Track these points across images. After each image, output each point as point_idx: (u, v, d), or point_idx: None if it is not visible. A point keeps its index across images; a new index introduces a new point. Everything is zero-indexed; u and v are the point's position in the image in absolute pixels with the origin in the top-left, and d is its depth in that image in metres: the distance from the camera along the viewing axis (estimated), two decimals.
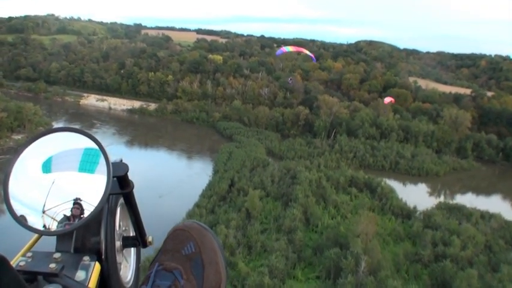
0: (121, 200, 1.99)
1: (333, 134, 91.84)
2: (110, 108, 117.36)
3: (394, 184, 72.10)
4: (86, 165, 1.59)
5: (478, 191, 77.98)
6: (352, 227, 47.95)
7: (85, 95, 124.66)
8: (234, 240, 45.03)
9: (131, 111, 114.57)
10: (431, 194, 75.76)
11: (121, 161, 1.79)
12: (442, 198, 70.52)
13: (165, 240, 1.85)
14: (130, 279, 2.11)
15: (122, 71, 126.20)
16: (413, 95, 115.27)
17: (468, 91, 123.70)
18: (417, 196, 68.87)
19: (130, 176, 1.80)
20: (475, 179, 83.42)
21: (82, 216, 1.54)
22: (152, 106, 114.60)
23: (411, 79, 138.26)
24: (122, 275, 1.95)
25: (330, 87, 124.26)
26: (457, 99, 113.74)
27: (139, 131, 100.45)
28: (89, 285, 1.51)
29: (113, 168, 1.61)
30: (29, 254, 1.52)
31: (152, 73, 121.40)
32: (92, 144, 1.61)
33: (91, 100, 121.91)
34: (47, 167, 1.57)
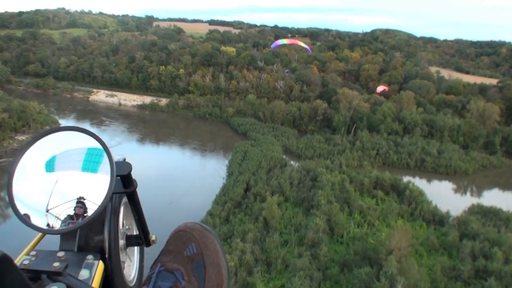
0: (124, 199, 1.99)
1: (353, 129, 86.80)
2: (120, 104, 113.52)
3: (420, 184, 67.14)
4: (89, 164, 1.61)
5: (511, 189, 72.63)
6: (382, 239, 43.30)
7: (94, 90, 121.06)
8: (251, 256, 40.46)
9: (142, 106, 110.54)
10: (461, 194, 70.56)
11: (124, 160, 1.81)
12: (473, 200, 65.10)
13: (167, 241, 1.90)
14: (134, 277, 2.09)
15: (132, 65, 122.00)
16: (436, 86, 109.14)
17: (493, 81, 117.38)
18: (447, 197, 64.15)
19: (135, 175, 1.80)
20: (505, 176, 77.86)
21: (85, 215, 1.57)
22: (163, 101, 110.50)
23: (432, 69, 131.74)
24: (126, 274, 1.95)
25: (348, 78, 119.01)
26: (482, 90, 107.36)
27: (150, 128, 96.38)
28: (93, 284, 1.52)
29: (117, 167, 1.63)
30: (33, 253, 1.53)
31: (163, 67, 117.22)
32: (95, 144, 1.63)
33: (100, 96, 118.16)
34: (50, 166, 1.58)
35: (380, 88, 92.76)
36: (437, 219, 52.50)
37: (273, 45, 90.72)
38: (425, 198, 57.37)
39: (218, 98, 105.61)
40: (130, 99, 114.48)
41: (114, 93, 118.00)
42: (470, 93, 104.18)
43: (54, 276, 1.41)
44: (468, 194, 71.11)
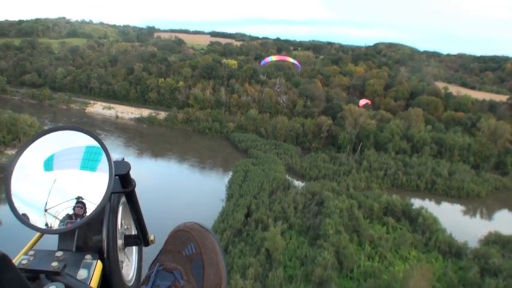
0: (123, 199, 2.03)
1: (360, 147, 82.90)
2: (117, 117, 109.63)
3: (432, 207, 63.05)
4: (88, 163, 1.62)
5: None
6: (397, 275, 39.19)
7: (91, 102, 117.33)
8: None
9: (139, 120, 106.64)
10: (475, 219, 66.49)
11: (123, 159, 1.84)
12: (489, 225, 60.91)
13: (166, 241, 1.89)
14: (132, 277, 2.15)
15: (131, 77, 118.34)
16: (444, 103, 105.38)
17: (500, 97, 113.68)
18: (460, 223, 60.32)
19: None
20: None
21: (84, 214, 1.58)
22: (162, 115, 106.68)
23: (438, 84, 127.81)
24: (124, 274, 1.99)
25: (353, 93, 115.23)
26: (492, 107, 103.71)
27: (147, 142, 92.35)
28: (91, 284, 1.53)
29: (115, 166, 1.64)
30: (31, 253, 1.54)
31: (162, 79, 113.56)
32: (93, 143, 1.64)
33: (97, 108, 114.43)
34: (48, 165, 1.59)
35: (362, 101, 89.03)
36: (454, 251, 48.44)
37: (262, 63, 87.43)
38: (440, 226, 53.28)
39: (218, 112, 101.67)
40: (127, 112, 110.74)
41: (112, 105, 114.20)
42: (480, 110, 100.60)
43: (52, 276, 1.42)
44: (482, 219, 67.09)
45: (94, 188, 1.57)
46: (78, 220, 1.55)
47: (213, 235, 1.88)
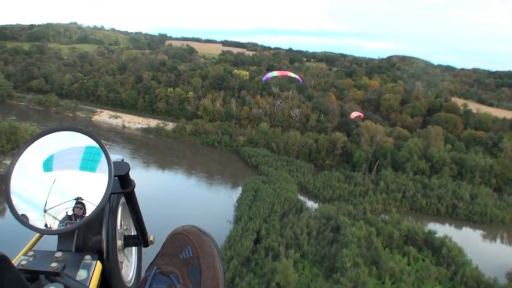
0: (122, 199, 2.04)
1: (376, 166, 78.78)
2: (124, 126, 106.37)
3: (453, 234, 58.71)
4: (87, 163, 1.62)
5: None
6: None
7: (98, 110, 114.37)
8: None
9: (146, 130, 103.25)
10: (501, 248, 61.92)
11: (122, 160, 1.84)
12: None
13: (164, 244, 1.89)
14: (132, 278, 2.16)
15: (139, 85, 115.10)
16: (464, 121, 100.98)
17: None
18: (486, 253, 56.22)
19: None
20: None
21: (83, 215, 1.58)
22: (170, 126, 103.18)
23: (454, 100, 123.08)
24: (124, 274, 2.00)
25: (367, 108, 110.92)
26: None
27: (153, 155, 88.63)
28: (91, 285, 1.53)
29: (114, 167, 1.65)
30: (31, 253, 1.54)
31: (171, 88, 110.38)
32: (93, 143, 1.65)
33: (104, 116, 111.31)
34: (48, 165, 1.60)
35: (354, 114, 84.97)
36: None
37: (264, 78, 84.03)
38: (466, 258, 48.96)
39: (228, 124, 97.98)
40: (135, 122, 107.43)
41: (119, 114, 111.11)
42: (501, 129, 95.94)
43: (52, 276, 1.43)
44: (509, 247, 62.59)
45: (93, 189, 1.58)
46: (78, 221, 1.56)
47: (211, 239, 1.88)
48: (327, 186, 71.81)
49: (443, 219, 67.35)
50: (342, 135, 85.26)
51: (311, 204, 65.84)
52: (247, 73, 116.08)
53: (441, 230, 59.17)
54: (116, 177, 1.72)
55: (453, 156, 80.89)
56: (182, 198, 65.50)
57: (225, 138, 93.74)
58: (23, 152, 1.58)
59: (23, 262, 1.46)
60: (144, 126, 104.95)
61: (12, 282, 1.16)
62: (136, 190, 1.94)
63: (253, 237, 49.54)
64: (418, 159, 78.66)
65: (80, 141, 1.62)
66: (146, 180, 73.03)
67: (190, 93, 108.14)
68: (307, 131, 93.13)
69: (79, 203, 1.57)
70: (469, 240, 58.93)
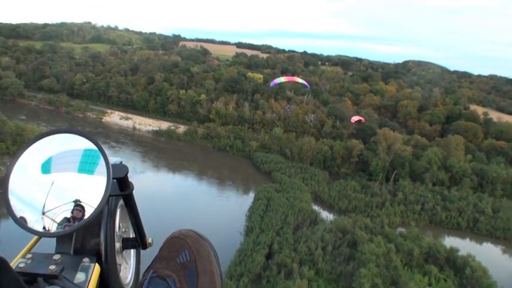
0: (121, 202, 2.04)
1: (393, 176, 75.73)
2: (134, 128, 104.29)
3: (475, 250, 55.39)
4: (86, 166, 1.62)
5: None
6: None
7: (109, 111, 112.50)
8: None
9: (157, 133, 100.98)
10: None
11: (121, 163, 1.84)
12: None
13: (161, 248, 1.90)
14: (130, 280, 2.16)
15: (151, 87, 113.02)
16: (484, 130, 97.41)
17: None
18: (509, 271, 52.59)
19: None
20: None
21: (82, 217, 1.57)
22: (181, 128, 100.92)
23: (472, 107, 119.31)
24: (122, 277, 2.00)
25: (384, 114, 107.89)
26: None
27: (164, 158, 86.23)
28: (89, 287, 1.54)
29: (113, 169, 1.65)
30: (29, 256, 1.55)
31: (183, 91, 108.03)
32: (91, 146, 1.64)
33: (114, 118, 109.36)
34: (46, 167, 1.60)
35: (355, 118, 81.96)
36: None
37: (271, 84, 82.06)
38: (491, 280, 45.83)
39: (241, 129, 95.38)
40: (145, 124, 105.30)
41: (129, 115, 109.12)
42: None
43: (50, 279, 1.43)
44: None
45: (92, 191, 1.57)
46: (76, 223, 1.55)
47: (208, 243, 1.88)
48: (342, 196, 68.97)
49: (463, 233, 64.33)
50: (359, 142, 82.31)
51: (326, 215, 63.15)
52: (261, 76, 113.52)
53: (462, 245, 56.22)
54: (115, 180, 1.73)
55: (474, 167, 77.72)
56: (192, 205, 62.81)
57: (237, 142, 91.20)
58: (21, 154, 1.59)
59: (21, 265, 1.47)
60: (155, 129, 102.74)
61: (11, 284, 1.17)
62: (135, 193, 1.95)
63: (265, 252, 46.84)
64: (438, 170, 75.54)
65: (79, 143, 1.62)
66: (155, 185, 70.88)
67: (203, 96, 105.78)
68: (322, 137, 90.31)
69: (78, 206, 1.57)
70: (491, 258, 55.68)
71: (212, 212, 60.58)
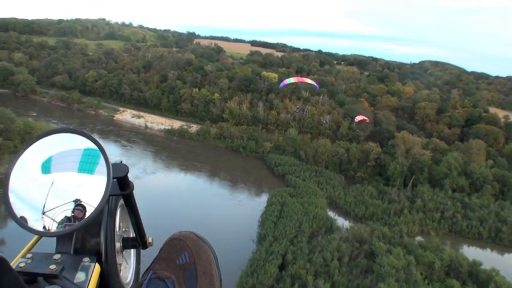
0: (121, 201, 2.04)
1: (411, 181, 73.17)
2: (146, 127, 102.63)
3: (497, 261, 52.97)
4: (86, 165, 1.63)
5: None
6: None
7: (121, 109, 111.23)
8: None
9: (169, 132, 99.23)
10: None
11: (121, 162, 1.82)
12: None
13: (161, 249, 1.90)
14: (130, 280, 2.16)
15: (164, 85, 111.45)
16: (505, 134, 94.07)
17: None
18: None
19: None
20: None
21: (82, 217, 1.58)
22: (193, 128, 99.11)
23: (494, 111, 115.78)
24: (122, 276, 2.01)
25: (401, 116, 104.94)
26: None
27: (175, 159, 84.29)
28: (89, 287, 1.54)
29: (113, 169, 1.65)
30: (29, 255, 1.55)
31: (197, 89, 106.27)
32: (91, 145, 1.65)
33: (126, 116, 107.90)
34: (46, 167, 1.60)
35: (359, 117, 79.48)
36: None
37: (281, 85, 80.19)
38: None
39: (255, 129, 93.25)
40: (157, 123, 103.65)
41: (142, 113, 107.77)
42: None
43: (50, 279, 1.44)
44: None
45: (92, 191, 1.58)
46: (76, 223, 1.56)
47: (208, 245, 1.88)
48: (358, 202, 66.49)
49: (485, 244, 61.58)
50: (376, 145, 79.69)
51: (341, 222, 60.67)
52: (276, 75, 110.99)
53: (483, 256, 53.43)
54: (115, 179, 1.73)
55: (495, 173, 74.86)
56: (203, 209, 60.33)
57: (251, 143, 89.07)
58: (22, 154, 1.59)
59: (22, 264, 1.47)
60: (167, 128, 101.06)
61: (11, 284, 1.17)
62: (135, 192, 1.95)
63: (278, 263, 44.57)
64: (458, 176, 72.84)
65: (79, 143, 1.63)
66: (165, 186, 69.27)
67: (216, 95, 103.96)
68: (338, 139, 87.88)
69: (79, 205, 1.57)
70: None
71: (224, 216, 58.52)
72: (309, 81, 77.63)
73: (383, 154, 78.09)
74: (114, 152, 78.11)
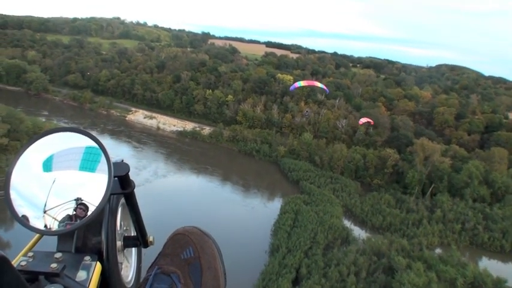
0: (122, 200, 2.04)
1: (430, 190, 70.59)
2: (158, 128, 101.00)
3: None
4: (87, 163, 1.63)
5: None
6: None
7: (133, 109, 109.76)
8: None
9: (181, 133, 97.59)
10: None
11: (122, 161, 1.82)
12: None
13: (165, 244, 1.91)
14: (131, 279, 2.16)
15: (177, 85, 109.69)
16: None
17: None
18: None
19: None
20: None
21: (84, 216, 1.58)
22: (206, 130, 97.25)
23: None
24: (123, 275, 2.00)
25: (419, 121, 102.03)
26: None
27: (186, 161, 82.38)
28: (90, 285, 1.54)
29: (114, 168, 1.66)
30: (30, 254, 1.55)
31: (210, 91, 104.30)
32: (92, 143, 1.65)
33: (138, 116, 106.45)
34: (48, 165, 1.60)
35: (363, 120, 76.86)
36: None
37: (291, 88, 78.74)
38: None
39: (269, 133, 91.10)
40: (170, 124, 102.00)
41: (154, 114, 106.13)
42: None
43: (51, 277, 1.44)
44: None
45: (93, 189, 1.58)
46: (78, 221, 1.56)
47: (212, 240, 1.90)
48: (375, 211, 63.97)
49: (507, 257, 58.83)
50: (394, 152, 77.10)
51: (358, 232, 58.18)
52: (291, 78, 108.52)
53: (505, 271, 50.84)
54: (116, 178, 1.73)
55: None
56: (214, 215, 58.05)
57: (265, 147, 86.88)
58: (23, 152, 1.59)
59: (23, 263, 1.47)
60: (179, 129, 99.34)
61: (12, 283, 1.18)
62: (136, 191, 1.95)
63: (291, 277, 42.40)
64: (478, 185, 70.13)
65: (80, 141, 1.63)
66: (175, 190, 67.44)
67: (230, 97, 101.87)
68: (354, 144, 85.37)
69: (80, 204, 1.58)
70: None
71: (235, 223, 56.29)
72: (319, 84, 76.08)
73: (401, 161, 75.53)
74: (125, 154, 76.55)
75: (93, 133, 1.66)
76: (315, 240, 50.62)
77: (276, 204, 65.87)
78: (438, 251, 55.55)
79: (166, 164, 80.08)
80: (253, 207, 65.44)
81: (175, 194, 65.91)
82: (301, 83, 78.85)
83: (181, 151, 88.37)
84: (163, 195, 61.53)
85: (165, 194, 62.84)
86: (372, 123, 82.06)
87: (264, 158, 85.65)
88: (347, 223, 60.81)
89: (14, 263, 1.46)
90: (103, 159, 1.60)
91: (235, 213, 61.01)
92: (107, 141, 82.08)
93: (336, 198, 66.92)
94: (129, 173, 1.77)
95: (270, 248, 50.43)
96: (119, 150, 78.93)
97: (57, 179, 1.56)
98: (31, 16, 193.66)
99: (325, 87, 77.86)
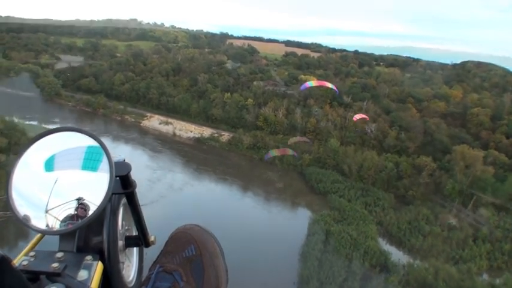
0: (123, 200, 2.04)
1: (472, 203, 63.89)
2: (174, 134, 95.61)
3: None
4: (89, 163, 1.65)
5: None
6: None
7: (148, 115, 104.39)
8: None
9: (199, 140, 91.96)
10: None
11: (124, 160, 1.84)
12: None
13: (167, 242, 1.94)
14: (133, 278, 2.15)
15: (193, 89, 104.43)
16: None
17: None
18: None
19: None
20: None
21: (85, 215, 1.60)
22: (225, 136, 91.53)
23: None
24: (125, 275, 2.00)
25: (451, 123, 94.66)
26: None
27: (202, 172, 76.58)
28: (92, 285, 1.54)
29: (116, 167, 1.67)
30: (32, 253, 1.56)
31: (228, 94, 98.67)
32: (94, 143, 1.67)
33: (154, 122, 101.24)
34: (49, 165, 1.62)
35: (358, 116, 70.71)
36: None
37: (302, 87, 73.86)
38: None
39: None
40: (186, 130, 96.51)
41: (170, 120, 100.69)
42: None
43: (53, 277, 1.45)
44: None
45: (95, 189, 1.60)
46: (79, 221, 1.58)
47: (214, 238, 1.92)
48: (414, 228, 57.37)
49: None
50: (430, 160, 70.45)
51: (396, 254, 51.70)
52: (315, 79, 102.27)
53: None
54: (118, 178, 1.73)
55: None
56: (234, 235, 51.94)
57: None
58: (24, 152, 1.61)
59: (24, 262, 1.48)
60: (196, 136, 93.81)
61: (14, 282, 1.18)
62: (137, 190, 1.96)
63: None
64: None
65: (82, 141, 1.65)
66: (191, 205, 61.61)
67: (250, 100, 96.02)
68: (385, 150, 78.85)
69: (82, 204, 1.59)
70: None
71: (258, 245, 50.01)
72: (329, 85, 71.34)
73: (438, 170, 68.90)
74: (139, 164, 71.44)
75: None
76: (350, 269, 44.42)
77: (302, 220, 59.69)
78: (486, 276, 49.18)
79: (183, 174, 74.80)
80: (278, 225, 59.01)
81: (190, 207, 60.31)
82: (312, 83, 74.36)
83: (198, 160, 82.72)
84: (177, 209, 56.09)
85: (179, 209, 57.32)
86: (367, 119, 76.05)
87: (288, 166, 79.48)
88: (382, 242, 54.55)
89: (16, 262, 1.47)
90: (104, 158, 1.62)
91: (258, 233, 54.66)
92: (120, 150, 77.20)
93: (368, 214, 60.67)
94: (131, 173, 1.76)
95: (298, 278, 44.19)
96: (133, 163, 73.46)
97: (58, 178, 1.57)
98: (48, 19, 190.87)
99: (335, 88, 72.85)
